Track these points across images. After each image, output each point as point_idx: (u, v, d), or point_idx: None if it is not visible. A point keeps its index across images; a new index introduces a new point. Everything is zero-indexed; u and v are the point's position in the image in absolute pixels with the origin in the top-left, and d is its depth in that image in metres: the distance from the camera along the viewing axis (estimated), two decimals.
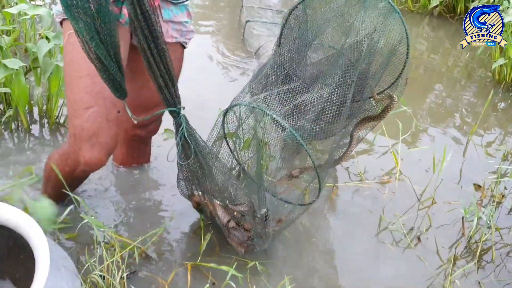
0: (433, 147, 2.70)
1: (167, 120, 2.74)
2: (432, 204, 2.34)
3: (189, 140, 1.57)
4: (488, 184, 2.49)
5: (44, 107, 2.73)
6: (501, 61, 3.41)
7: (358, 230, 2.18)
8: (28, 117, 2.67)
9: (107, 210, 2.11)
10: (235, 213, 1.78)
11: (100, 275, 1.68)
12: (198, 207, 1.96)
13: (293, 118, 1.72)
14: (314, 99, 1.72)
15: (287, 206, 1.87)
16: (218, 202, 1.78)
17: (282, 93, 1.77)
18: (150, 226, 2.04)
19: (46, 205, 1.75)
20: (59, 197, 1.99)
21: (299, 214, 1.92)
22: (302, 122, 1.71)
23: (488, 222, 2.11)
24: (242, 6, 4.49)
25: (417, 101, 3.36)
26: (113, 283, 1.68)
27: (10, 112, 2.57)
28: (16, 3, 3.12)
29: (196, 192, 1.86)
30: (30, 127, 2.65)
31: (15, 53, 3.05)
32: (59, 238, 1.94)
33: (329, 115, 1.71)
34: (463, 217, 2.16)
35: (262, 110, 1.62)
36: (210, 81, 3.41)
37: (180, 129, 1.56)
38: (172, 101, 1.52)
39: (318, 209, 2.27)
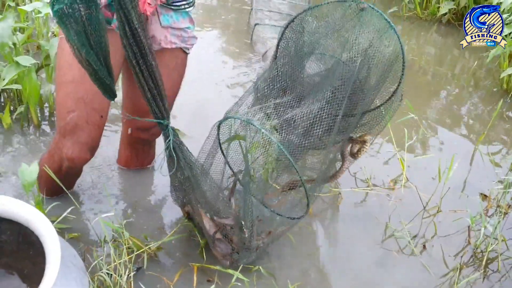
0: (439, 155, 2.71)
1: (175, 121, 2.79)
2: (437, 212, 2.34)
3: (175, 153, 1.61)
4: (495, 194, 2.49)
5: (55, 105, 2.75)
6: (510, 70, 3.41)
7: (364, 237, 2.19)
8: (38, 114, 2.69)
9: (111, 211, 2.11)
10: (222, 225, 1.80)
11: (108, 273, 1.70)
12: (188, 216, 1.99)
13: (282, 133, 1.75)
14: (304, 114, 1.74)
15: (278, 218, 1.88)
16: (204, 212, 1.80)
17: (274, 107, 1.81)
18: (153, 227, 2.07)
19: (32, 169, 1.83)
20: (53, 193, 2.14)
21: (288, 228, 1.94)
22: (292, 137, 1.74)
23: (495, 232, 2.11)
24: (251, 9, 4.50)
25: (424, 108, 3.36)
26: (120, 282, 1.69)
27: (21, 109, 2.59)
28: (31, 1, 3.14)
29: (185, 201, 1.90)
30: (41, 123, 2.67)
31: (27, 50, 3.08)
32: (64, 237, 1.96)
33: (318, 130, 1.73)
34: (469, 226, 2.17)
35: (252, 124, 1.63)
36: (216, 83, 3.43)
37: (167, 140, 1.60)
38: (160, 114, 1.59)
39: (325, 214, 2.29)
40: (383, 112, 2.03)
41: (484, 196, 2.48)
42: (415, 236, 2.20)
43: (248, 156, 1.80)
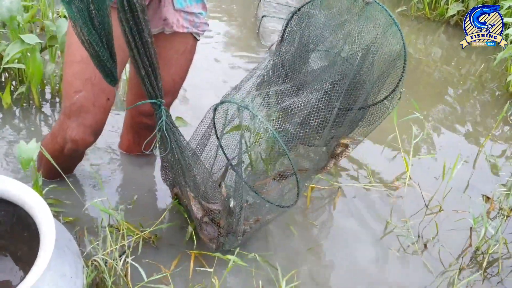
0: (443, 155, 2.68)
1: (180, 108, 2.77)
2: (439, 211, 2.31)
3: (167, 134, 1.57)
4: (497, 196, 2.46)
5: (57, 86, 2.72)
6: None
7: (364, 233, 2.16)
8: (40, 95, 2.66)
9: (109, 195, 2.07)
10: (210, 210, 1.77)
11: (103, 259, 1.66)
12: (177, 197, 1.96)
13: (279, 121, 1.75)
14: (301, 103, 1.72)
15: (267, 205, 1.86)
16: (193, 195, 1.77)
17: (272, 94, 1.79)
18: (150, 215, 2.03)
19: (31, 147, 1.77)
20: (53, 176, 2.08)
21: (275, 215, 1.92)
22: (288, 125, 1.71)
23: (496, 234, 2.08)
24: (259, 1, 4.47)
25: (429, 108, 3.33)
26: (115, 268, 1.66)
27: (22, 89, 2.56)
28: None
29: (174, 182, 1.88)
30: (42, 105, 2.64)
31: (30, 31, 3.04)
32: (59, 221, 1.93)
33: (314, 121, 1.71)
34: (471, 227, 2.14)
35: (248, 110, 1.61)
36: (219, 74, 3.40)
37: (160, 121, 1.57)
38: (153, 93, 1.55)
39: (324, 208, 2.26)
40: (383, 109, 2.01)
41: (487, 198, 2.45)
42: (418, 235, 2.17)
43: (243, 142, 1.79)
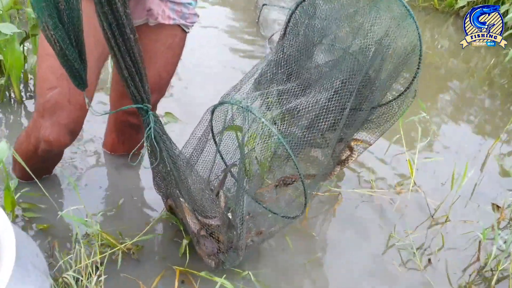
0: (450, 158, 2.52)
1: (170, 103, 2.61)
2: (446, 221, 2.15)
3: (156, 143, 1.40)
4: (508, 204, 2.29)
5: None
6: None
7: (364, 245, 2.00)
8: (22, 88, 2.49)
9: (88, 201, 1.90)
10: (207, 225, 1.61)
11: (73, 276, 1.51)
12: (171, 210, 1.80)
13: (284, 123, 1.59)
14: (309, 104, 1.55)
15: (270, 216, 1.71)
16: (189, 208, 1.61)
17: (275, 94, 1.63)
18: (135, 224, 1.86)
19: (2, 148, 1.62)
20: (28, 177, 1.85)
21: (281, 227, 1.75)
22: (294, 129, 1.55)
23: (508, 249, 1.92)
24: None
25: (434, 105, 3.17)
26: (87, 286, 1.51)
27: (1, 81, 2.40)
28: None
29: (167, 193, 1.72)
30: (23, 99, 2.48)
31: (14, 18, 2.87)
32: (32, 228, 1.77)
33: (323, 123, 1.55)
34: (479, 241, 1.98)
35: (251, 112, 1.44)
36: (215, 66, 3.24)
37: (148, 129, 1.39)
38: (139, 97, 1.36)
39: (323, 217, 2.10)
40: (395, 108, 1.88)
41: (497, 207, 2.29)
42: (419, 248, 2.01)
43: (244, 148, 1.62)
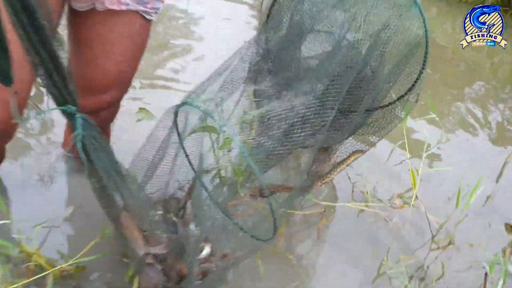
0: (460, 166, 2.23)
1: (144, 98, 2.38)
2: (448, 245, 1.87)
3: (85, 153, 1.14)
4: None
5: None
6: None
7: (354, 272, 1.73)
8: None
9: (36, 209, 1.69)
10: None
11: None
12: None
13: (256, 130, 1.39)
14: (282, 111, 1.30)
15: (240, 235, 1.46)
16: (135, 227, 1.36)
17: (246, 95, 1.40)
18: (84, 239, 1.60)
19: None
20: None
21: (249, 251, 1.49)
22: (263, 139, 1.31)
23: None
24: None
25: (447, 105, 2.87)
26: None
27: None
28: None
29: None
30: None
31: None
32: None
33: (299, 135, 1.30)
34: (486, 273, 1.69)
35: (211, 117, 1.19)
36: (213, 48, 3.06)
37: (74, 135, 1.13)
38: (60, 98, 1.10)
39: (303, 237, 1.83)
40: (395, 112, 1.67)
41: (510, 228, 1.99)
42: (412, 277, 1.73)
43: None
